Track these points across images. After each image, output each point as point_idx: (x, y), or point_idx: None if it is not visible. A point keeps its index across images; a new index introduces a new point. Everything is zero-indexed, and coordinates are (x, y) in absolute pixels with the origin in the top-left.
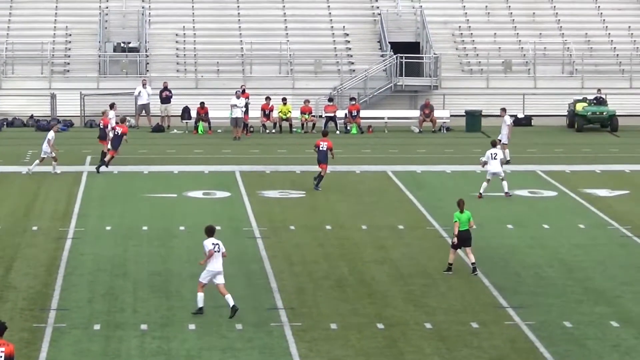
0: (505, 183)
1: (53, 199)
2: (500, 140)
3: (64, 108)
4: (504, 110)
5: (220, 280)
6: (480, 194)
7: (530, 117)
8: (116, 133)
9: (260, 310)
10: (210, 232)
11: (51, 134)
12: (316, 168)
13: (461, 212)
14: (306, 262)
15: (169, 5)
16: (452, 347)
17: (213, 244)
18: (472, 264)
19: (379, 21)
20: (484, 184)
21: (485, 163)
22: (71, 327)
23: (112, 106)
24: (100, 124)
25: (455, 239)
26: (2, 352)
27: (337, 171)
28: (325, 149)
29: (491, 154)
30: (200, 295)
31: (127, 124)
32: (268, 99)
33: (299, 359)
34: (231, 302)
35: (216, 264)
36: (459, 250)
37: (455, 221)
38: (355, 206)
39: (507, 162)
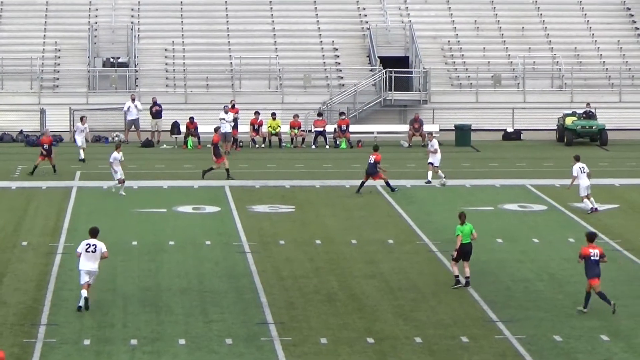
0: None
1: (43, 215)
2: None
3: (54, 123)
4: (431, 134)
5: (89, 279)
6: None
7: (520, 131)
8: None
9: (250, 325)
10: (91, 233)
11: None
12: (305, 183)
13: (462, 224)
14: (296, 277)
15: (158, 20)
16: None
17: (87, 244)
18: (466, 277)
19: (368, 36)
20: (586, 201)
21: (573, 179)
22: (61, 342)
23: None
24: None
25: (455, 253)
26: None
27: (327, 186)
28: (372, 161)
29: (580, 168)
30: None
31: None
32: (257, 113)
33: None
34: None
35: (87, 264)
36: (444, 259)
37: (458, 234)
38: (345, 221)
39: (443, 185)
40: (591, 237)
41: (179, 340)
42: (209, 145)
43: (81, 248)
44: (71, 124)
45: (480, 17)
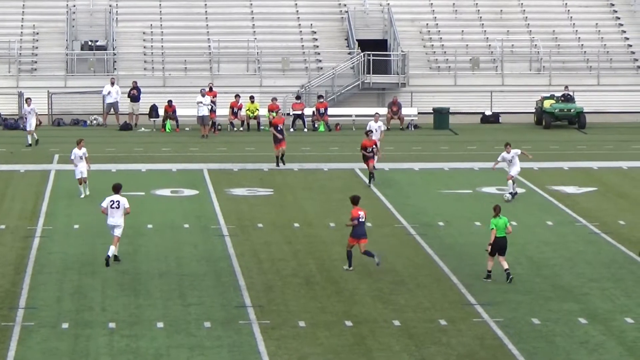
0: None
1: (20, 198)
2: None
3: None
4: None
5: (117, 232)
6: None
7: (498, 114)
8: None
9: (228, 308)
10: (114, 189)
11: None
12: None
13: (497, 217)
14: (274, 260)
15: (136, 3)
16: (420, 344)
17: (111, 200)
18: (506, 270)
19: (347, 19)
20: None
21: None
22: (39, 325)
23: None
24: None
25: (489, 247)
26: None
27: (305, 169)
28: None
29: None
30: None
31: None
32: (238, 96)
33: (268, 357)
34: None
35: (113, 219)
36: (422, 242)
37: (492, 228)
38: (323, 204)
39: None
40: (356, 200)
41: (157, 324)
42: (187, 129)
43: (106, 204)
44: (49, 107)
45: (459, 0)
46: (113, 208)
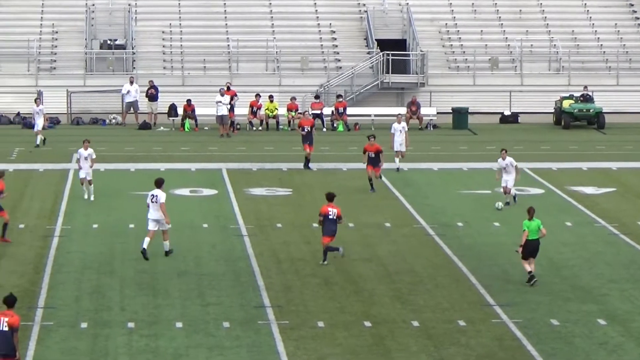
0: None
1: (39, 197)
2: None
3: (51, 105)
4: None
5: (160, 227)
6: None
7: (517, 114)
8: None
9: (247, 308)
10: (156, 183)
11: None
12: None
13: (530, 220)
14: (293, 260)
15: (156, 2)
16: (439, 344)
17: (151, 195)
18: (529, 272)
19: (366, 18)
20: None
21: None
22: (58, 325)
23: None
24: None
25: (520, 249)
26: (5, 321)
27: (324, 169)
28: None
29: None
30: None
31: (114, 120)
32: (258, 95)
33: (286, 357)
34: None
35: (153, 213)
36: (441, 242)
37: (524, 230)
38: (341, 204)
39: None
40: (330, 197)
41: (176, 324)
42: (206, 128)
43: (148, 199)
44: (68, 106)
45: (478, 0)
46: (153, 202)
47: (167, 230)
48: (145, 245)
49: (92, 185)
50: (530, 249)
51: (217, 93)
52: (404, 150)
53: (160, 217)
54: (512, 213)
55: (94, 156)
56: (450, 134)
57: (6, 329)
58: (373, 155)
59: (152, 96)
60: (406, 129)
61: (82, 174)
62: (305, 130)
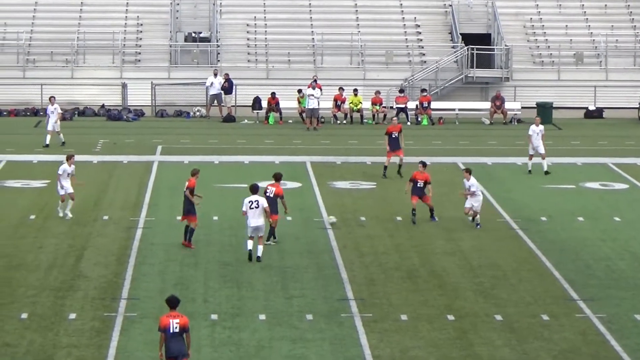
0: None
1: (123, 189)
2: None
3: (135, 97)
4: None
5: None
6: None
7: (602, 110)
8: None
9: (330, 301)
10: (252, 189)
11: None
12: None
13: None
14: (377, 253)
15: None
16: (522, 339)
17: (250, 201)
18: None
19: (450, 12)
20: None
21: None
22: (142, 316)
23: None
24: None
25: None
26: (177, 323)
27: (408, 162)
28: (396, 135)
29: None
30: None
31: (198, 113)
32: (341, 89)
33: (369, 350)
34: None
35: (253, 220)
36: (525, 237)
37: None
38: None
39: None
40: (277, 177)
41: (259, 316)
42: (290, 121)
43: (245, 207)
44: (153, 98)
45: None
46: (252, 209)
47: (262, 237)
48: (250, 247)
49: (74, 199)
50: None
51: (303, 86)
52: (543, 152)
53: (261, 224)
54: (598, 208)
55: (74, 173)
56: None
57: (177, 330)
58: (421, 185)
59: (226, 89)
60: (543, 132)
61: (61, 191)
62: (394, 135)
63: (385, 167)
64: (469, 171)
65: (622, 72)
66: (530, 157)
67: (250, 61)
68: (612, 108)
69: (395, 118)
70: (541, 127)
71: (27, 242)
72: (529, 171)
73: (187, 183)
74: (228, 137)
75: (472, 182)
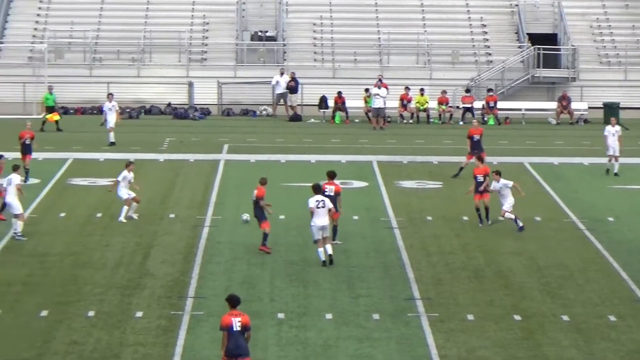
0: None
1: (190, 187)
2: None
3: (201, 96)
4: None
5: (325, 233)
6: None
7: None
8: None
9: (397, 301)
10: (315, 189)
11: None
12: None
13: None
14: (443, 253)
15: None
16: (589, 339)
17: (317, 201)
18: None
19: (517, 12)
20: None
21: None
22: (208, 315)
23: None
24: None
25: None
26: (239, 322)
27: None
28: (477, 139)
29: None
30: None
31: (264, 112)
32: (407, 89)
33: (436, 350)
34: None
35: (318, 220)
36: (591, 237)
37: None
38: (492, 197)
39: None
40: (332, 175)
41: (325, 315)
42: (357, 120)
43: (313, 204)
44: (219, 97)
45: None
46: (319, 208)
47: (328, 237)
48: (323, 257)
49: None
50: None
51: (369, 86)
52: (617, 154)
53: (327, 223)
54: None
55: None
56: (602, 129)
57: (239, 328)
58: (481, 180)
59: (292, 88)
60: (619, 133)
61: (125, 195)
62: (475, 139)
63: (462, 168)
64: (498, 173)
65: None
66: (610, 157)
67: (317, 60)
68: None
69: (475, 120)
70: (617, 127)
71: (93, 240)
72: (608, 171)
73: (255, 192)
74: (294, 136)
75: (502, 184)
